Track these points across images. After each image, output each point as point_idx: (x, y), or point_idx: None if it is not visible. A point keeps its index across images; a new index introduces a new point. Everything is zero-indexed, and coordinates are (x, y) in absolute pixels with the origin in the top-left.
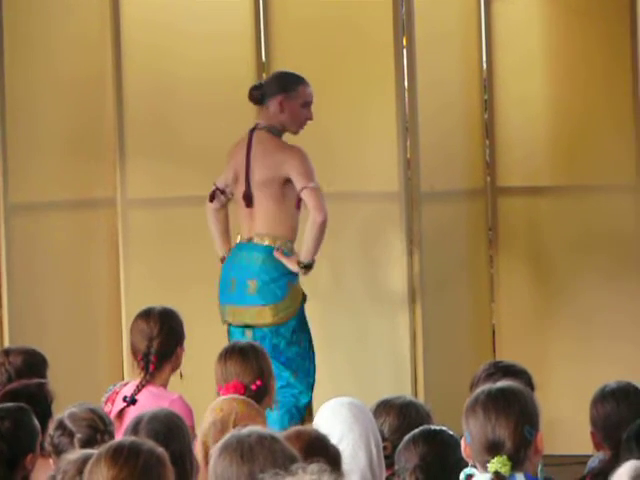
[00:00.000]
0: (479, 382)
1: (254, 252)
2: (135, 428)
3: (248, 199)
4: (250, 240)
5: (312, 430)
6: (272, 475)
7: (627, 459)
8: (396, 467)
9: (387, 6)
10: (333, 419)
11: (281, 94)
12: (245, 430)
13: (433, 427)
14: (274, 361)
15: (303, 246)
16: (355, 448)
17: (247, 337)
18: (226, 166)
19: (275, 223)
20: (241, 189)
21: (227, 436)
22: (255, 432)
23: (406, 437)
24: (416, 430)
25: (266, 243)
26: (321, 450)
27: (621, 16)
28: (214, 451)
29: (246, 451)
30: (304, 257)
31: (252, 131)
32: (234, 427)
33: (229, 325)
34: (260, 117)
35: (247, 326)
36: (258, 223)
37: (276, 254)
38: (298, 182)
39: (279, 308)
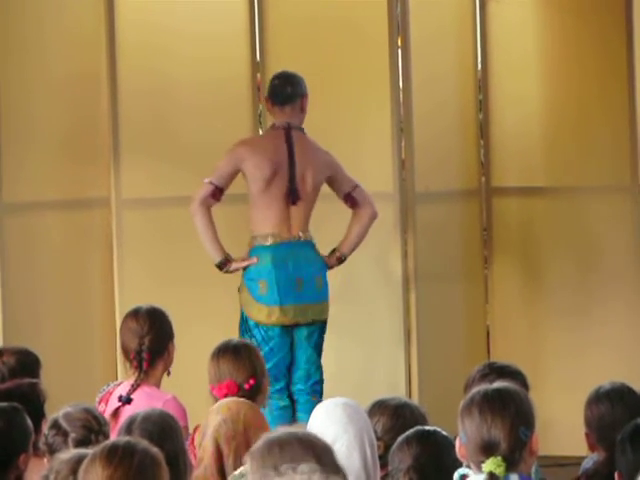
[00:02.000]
0: (474, 383)
1: (307, 249)
2: (128, 429)
3: (295, 196)
4: (299, 238)
5: (302, 429)
6: (261, 476)
7: (621, 461)
8: (390, 468)
9: (382, 6)
10: (327, 420)
11: (305, 95)
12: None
13: (427, 428)
14: (314, 355)
15: (350, 240)
16: (349, 449)
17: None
18: (238, 164)
19: (309, 220)
20: (282, 186)
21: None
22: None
23: (400, 438)
24: (410, 431)
25: (309, 240)
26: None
27: (616, 16)
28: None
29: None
30: (349, 251)
31: (288, 130)
32: (244, 426)
33: (262, 326)
34: (282, 116)
35: (297, 324)
36: (302, 220)
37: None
38: (347, 181)
39: (329, 304)
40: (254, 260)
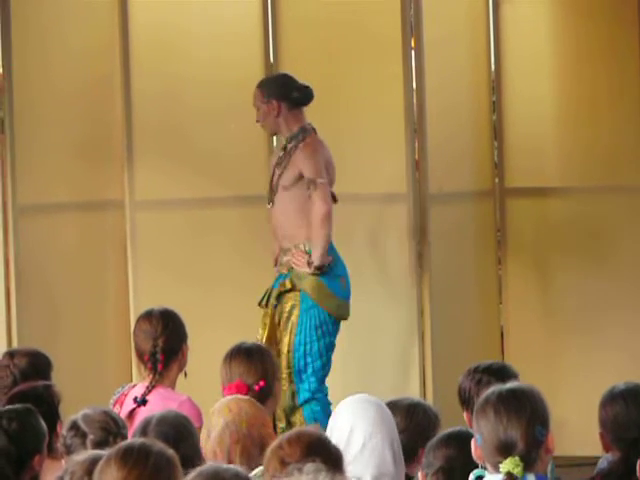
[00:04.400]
0: (471, 392)
1: None
2: (144, 430)
3: (334, 195)
4: None
5: (313, 431)
6: None
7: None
8: (424, 461)
9: (395, 7)
10: (358, 418)
11: None
12: (225, 466)
13: (470, 431)
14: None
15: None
16: (383, 447)
17: None
18: (327, 167)
19: None
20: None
21: (205, 466)
22: (233, 470)
23: (441, 434)
24: (453, 429)
25: None
26: (322, 451)
27: (629, 16)
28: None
29: None
30: None
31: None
32: (247, 427)
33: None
34: (303, 118)
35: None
36: None
37: None
38: None
39: None
40: (330, 259)
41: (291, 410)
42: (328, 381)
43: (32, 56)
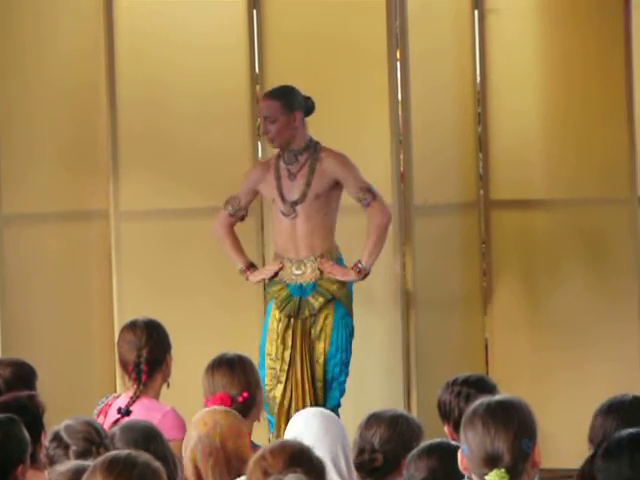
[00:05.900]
0: (451, 405)
1: None
2: (111, 442)
3: None
4: None
5: (296, 442)
6: None
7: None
8: (405, 473)
9: (381, 19)
10: (304, 431)
11: None
12: None
13: (451, 442)
14: None
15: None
16: (325, 459)
17: None
18: None
19: None
20: None
21: None
22: None
23: (422, 445)
24: (434, 441)
25: None
26: (305, 462)
27: (614, 29)
28: None
29: None
30: None
31: None
32: (220, 440)
33: None
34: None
35: None
36: None
37: None
38: None
39: None
40: None
41: None
42: None
43: (16, 65)
